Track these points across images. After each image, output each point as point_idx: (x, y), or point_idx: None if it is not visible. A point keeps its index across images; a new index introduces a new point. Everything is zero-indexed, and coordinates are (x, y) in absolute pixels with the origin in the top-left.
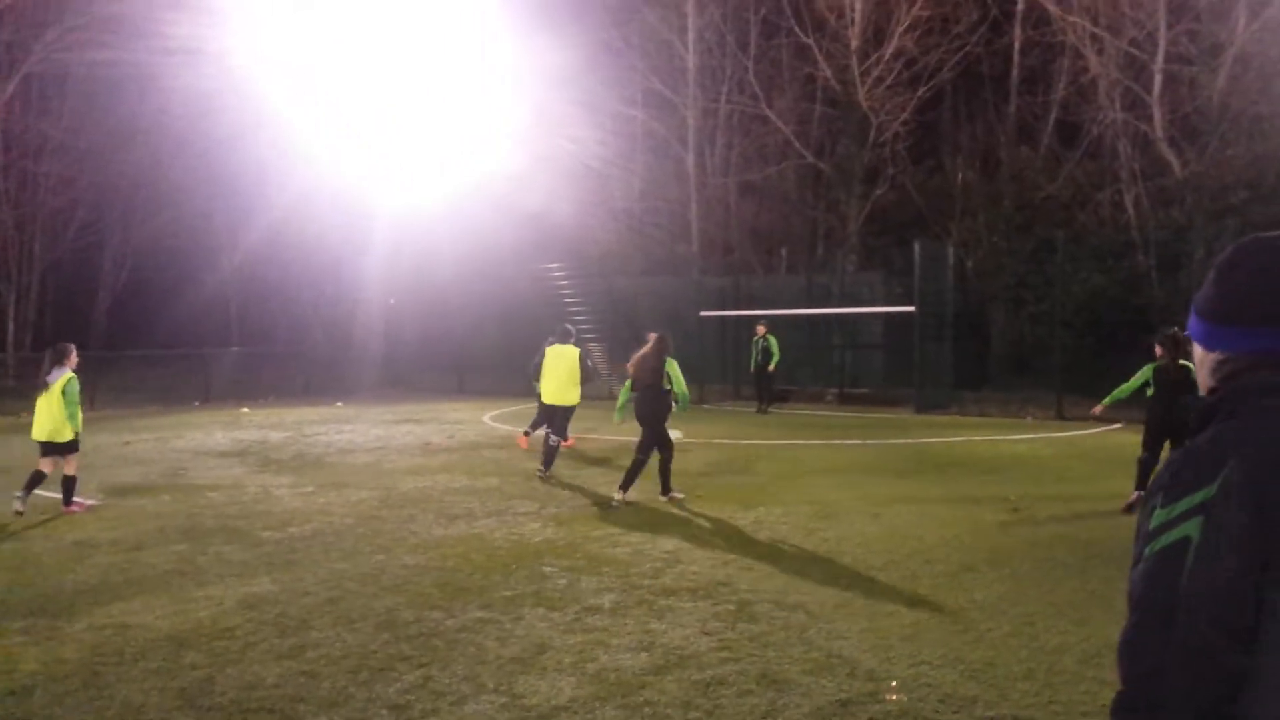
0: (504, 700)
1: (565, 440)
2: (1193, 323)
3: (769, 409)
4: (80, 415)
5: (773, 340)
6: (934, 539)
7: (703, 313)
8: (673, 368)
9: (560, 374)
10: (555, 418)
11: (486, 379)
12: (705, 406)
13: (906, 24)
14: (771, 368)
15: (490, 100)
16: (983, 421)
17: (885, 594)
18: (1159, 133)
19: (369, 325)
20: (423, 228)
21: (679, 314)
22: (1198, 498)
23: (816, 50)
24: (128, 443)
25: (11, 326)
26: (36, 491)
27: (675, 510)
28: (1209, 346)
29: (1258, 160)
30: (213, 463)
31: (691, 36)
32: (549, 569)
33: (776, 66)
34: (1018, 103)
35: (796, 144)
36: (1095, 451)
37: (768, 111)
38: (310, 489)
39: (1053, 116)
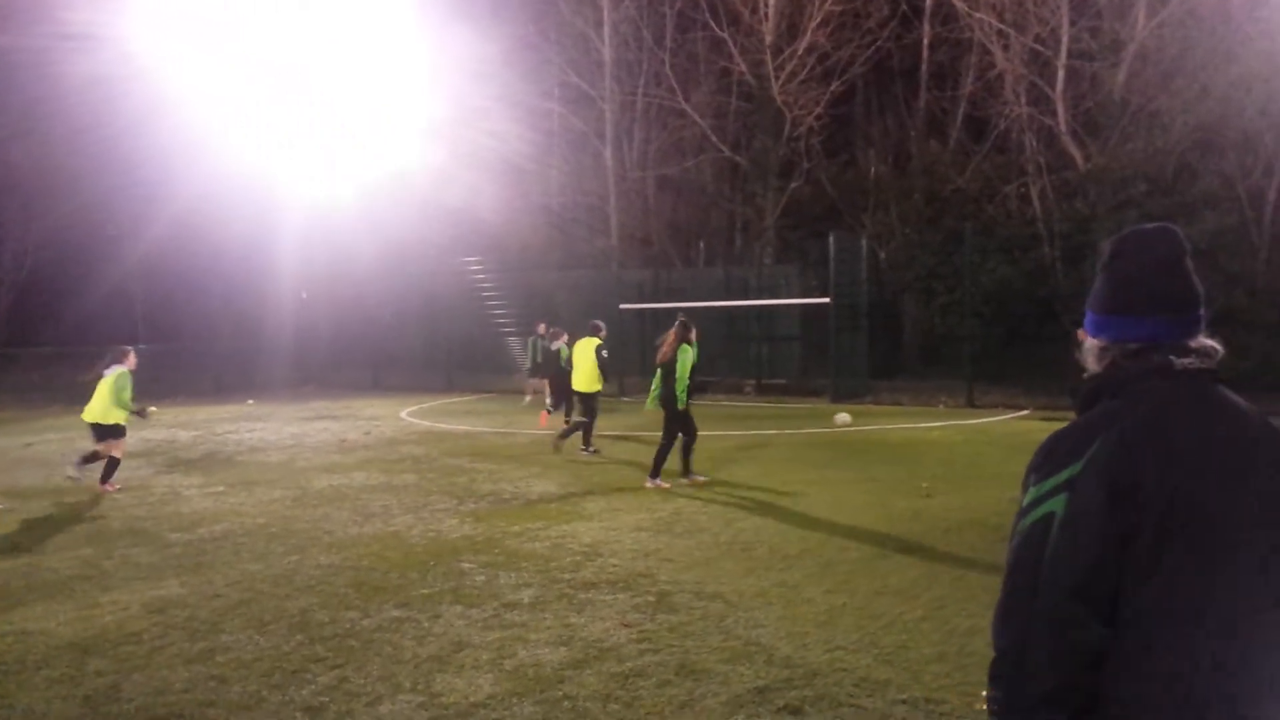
0: (421, 699)
1: (588, 420)
2: (1086, 313)
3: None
4: (130, 407)
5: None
6: (849, 526)
7: (622, 306)
8: (683, 355)
9: (588, 364)
10: (588, 403)
11: (404, 374)
12: (625, 399)
13: (819, 19)
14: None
15: (407, 92)
16: (897, 410)
17: (802, 581)
18: (1063, 127)
19: (281, 320)
20: (337, 221)
21: (599, 307)
22: (1064, 475)
23: (731, 44)
24: (30, 444)
25: None
26: None
27: (594, 503)
28: (1094, 334)
29: (1157, 154)
30: None
31: (607, 30)
32: (467, 565)
33: (692, 60)
34: (927, 97)
35: (713, 138)
36: (1005, 438)
37: (684, 105)
38: (221, 489)
39: (961, 111)
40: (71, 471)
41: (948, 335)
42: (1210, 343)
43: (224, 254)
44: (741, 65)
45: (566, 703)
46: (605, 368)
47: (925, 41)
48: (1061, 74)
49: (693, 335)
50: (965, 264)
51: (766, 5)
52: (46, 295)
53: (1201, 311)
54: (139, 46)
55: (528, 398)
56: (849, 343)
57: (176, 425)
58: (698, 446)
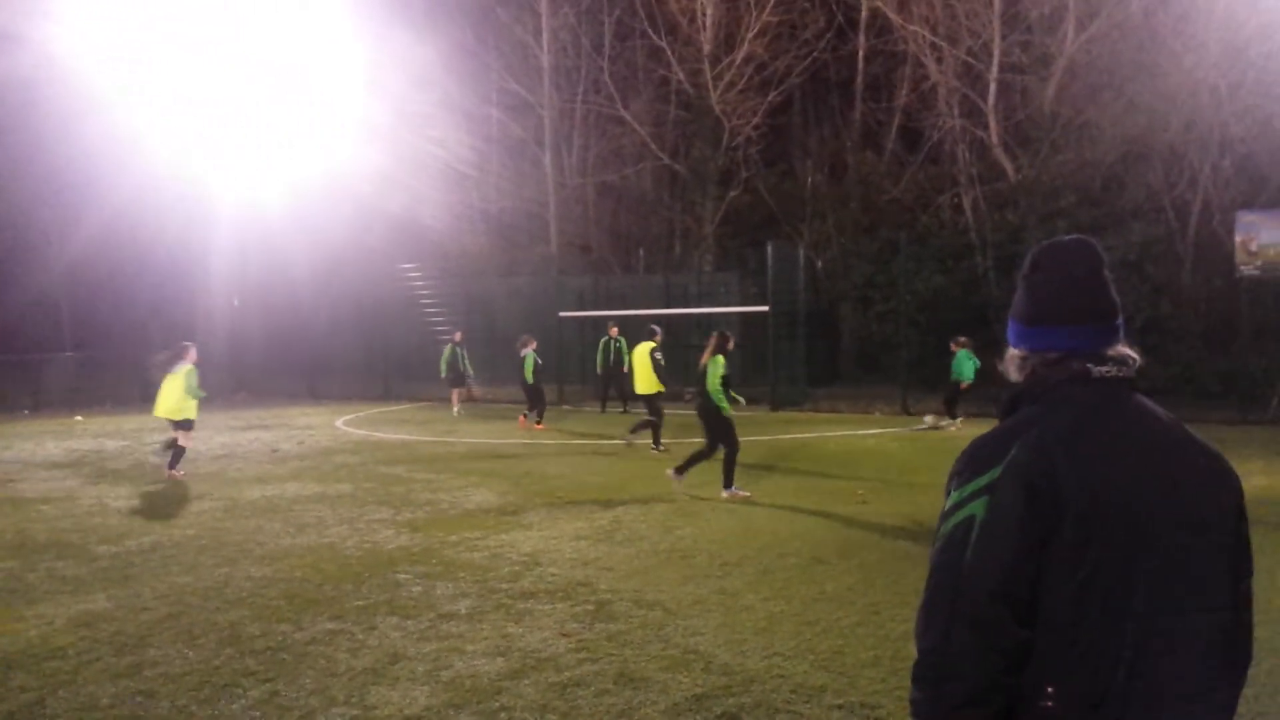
0: (355, 713)
1: (653, 419)
2: (1009, 323)
3: (630, 409)
4: (201, 395)
5: (624, 341)
6: (787, 533)
7: (562, 313)
8: (713, 366)
9: (646, 367)
10: (651, 404)
11: (340, 383)
12: (565, 407)
13: (756, 30)
14: (626, 368)
15: (343, 95)
16: (834, 417)
17: (740, 589)
18: (994, 139)
19: (212, 328)
20: (271, 227)
21: (539, 314)
22: (984, 479)
23: (670, 53)
24: None
25: None
26: None
27: (534, 512)
28: (1016, 344)
29: (1085, 166)
30: (44, 474)
31: (546, 36)
32: (403, 576)
33: (631, 68)
34: (863, 109)
35: (653, 145)
36: (938, 444)
37: (623, 113)
38: (149, 500)
39: (896, 122)
40: (155, 459)
41: (884, 343)
42: (1128, 351)
43: (153, 259)
44: (680, 74)
45: (504, 714)
46: (661, 370)
47: (860, 53)
48: (993, 87)
49: (729, 345)
50: (901, 273)
51: (704, 15)
52: None
53: (1120, 321)
54: (61, 47)
55: (456, 408)
56: (787, 350)
57: (104, 435)
58: (675, 454)
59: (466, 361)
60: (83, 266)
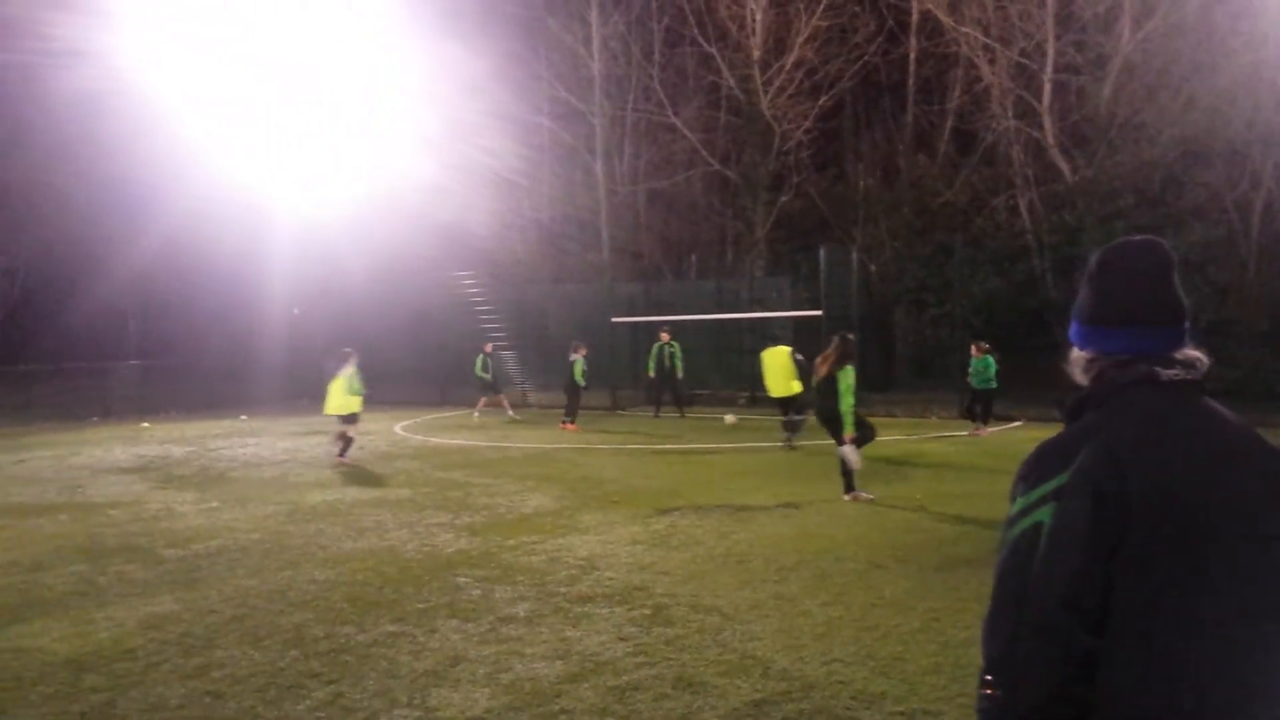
0: (418, 714)
1: (802, 416)
2: (1072, 324)
3: (685, 413)
4: (363, 391)
5: (676, 346)
6: (844, 538)
7: (614, 319)
8: (844, 375)
9: (777, 371)
10: (790, 405)
11: (397, 389)
12: (619, 412)
13: (806, 34)
14: (680, 374)
15: (397, 107)
16: (889, 422)
17: (797, 594)
18: (1050, 140)
19: (274, 336)
20: (329, 237)
21: (591, 321)
22: (1051, 485)
23: (720, 59)
24: (22, 460)
25: None
26: None
27: (589, 517)
28: (1081, 345)
29: (1144, 166)
30: (113, 479)
31: (596, 45)
32: (463, 580)
33: (681, 75)
34: (915, 111)
35: (703, 152)
36: (997, 449)
37: (674, 119)
38: (214, 504)
39: (949, 124)
40: (334, 449)
41: (938, 347)
42: (1196, 354)
43: (216, 269)
44: (730, 80)
45: (563, 717)
46: (804, 370)
47: (912, 56)
48: (1048, 87)
49: (854, 352)
50: (955, 276)
51: (754, 21)
52: (38, 312)
53: (1187, 324)
54: (126, 61)
55: (476, 413)
56: None
57: (170, 441)
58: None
59: (497, 370)
60: (148, 276)
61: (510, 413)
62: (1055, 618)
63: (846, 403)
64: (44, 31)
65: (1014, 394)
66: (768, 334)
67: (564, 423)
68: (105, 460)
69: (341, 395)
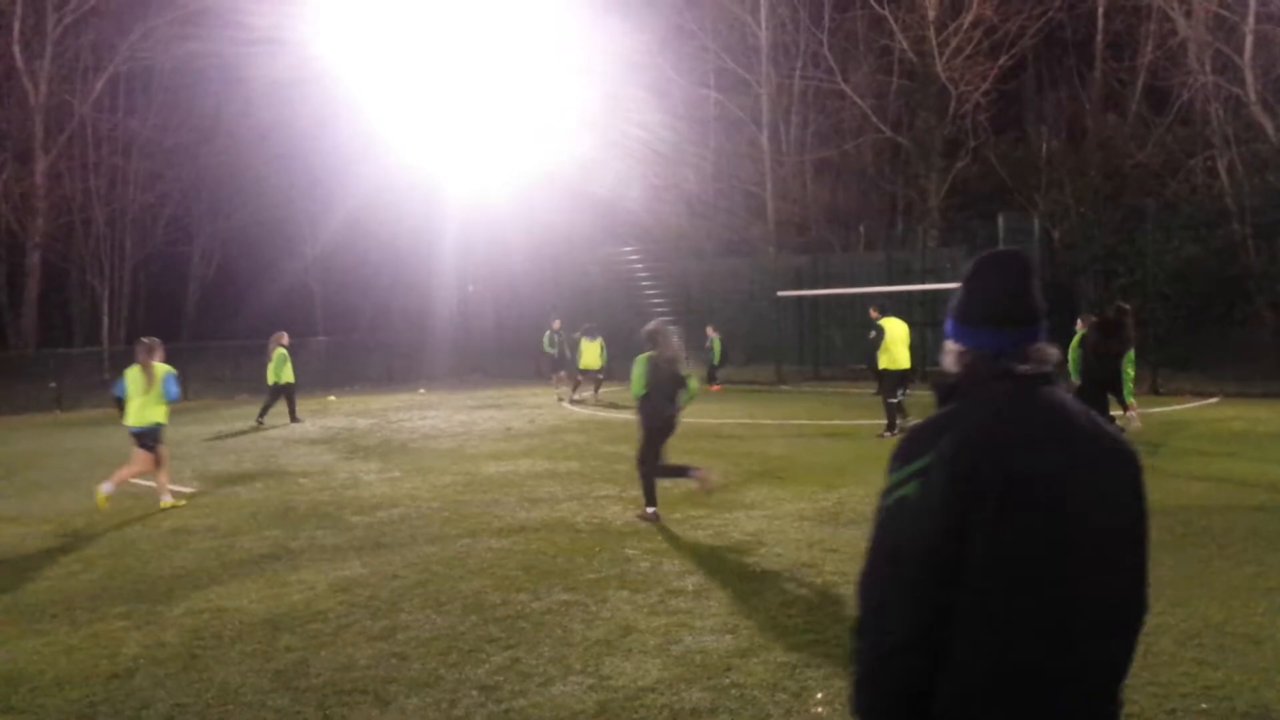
0: (591, 681)
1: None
2: (948, 320)
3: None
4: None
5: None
6: None
7: (780, 293)
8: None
9: (905, 341)
10: (908, 382)
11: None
12: (784, 388)
13: None
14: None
15: (561, 87)
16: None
17: None
18: (1252, 96)
19: (447, 312)
20: (496, 215)
21: (754, 295)
22: (917, 465)
23: (892, 21)
24: (220, 432)
25: (106, 321)
26: (135, 482)
27: (756, 492)
28: (955, 339)
29: None
30: (303, 450)
31: (764, 13)
32: (632, 552)
33: (851, 40)
34: (1103, 68)
35: (874, 118)
36: (1195, 425)
37: (843, 86)
38: (397, 474)
39: (1140, 82)
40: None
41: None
42: (1048, 350)
43: (393, 248)
44: (903, 43)
45: (734, 690)
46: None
47: (1100, 10)
48: (1250, 40)
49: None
50: (1148, 243)
51: None
52: (232, 290)
53: (1043, 324)
54: (317, 50)
55: (557, 390)
56: None
57: (354, 413)
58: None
59: (565, 346)
60: (332, 255)
61: (571, 394)
62: (915, 575)
63: (1129, 374)
64: (243, 22)
65: (1211, 368)
66: (876, 303)
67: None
68: (295, 432)
69: (593, 354)
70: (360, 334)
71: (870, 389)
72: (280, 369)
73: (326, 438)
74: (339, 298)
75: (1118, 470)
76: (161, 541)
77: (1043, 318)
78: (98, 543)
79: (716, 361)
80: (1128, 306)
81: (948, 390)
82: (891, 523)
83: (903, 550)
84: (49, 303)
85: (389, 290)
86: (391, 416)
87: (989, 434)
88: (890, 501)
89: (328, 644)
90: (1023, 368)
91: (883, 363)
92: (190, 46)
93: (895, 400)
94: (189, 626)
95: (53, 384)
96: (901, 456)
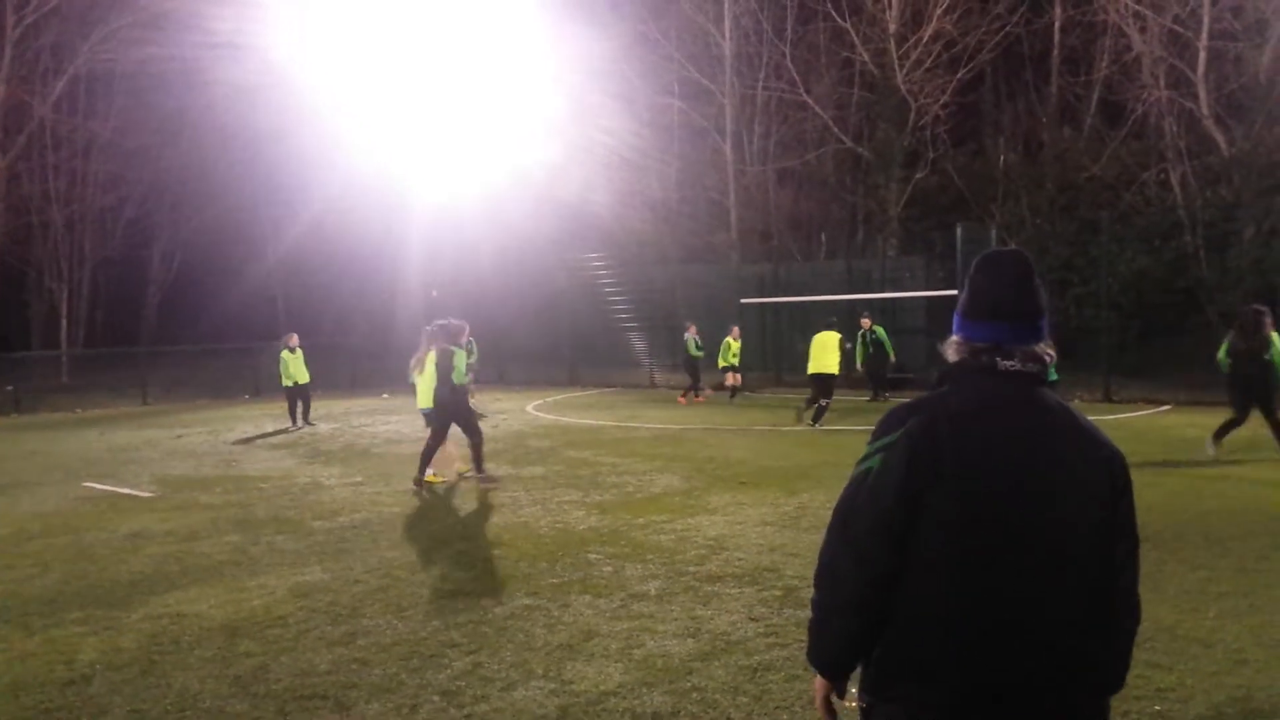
0: (553, 686)
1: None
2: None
3: (886, 396)
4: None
5: (880, 330)
6: None
7: (743, 300)
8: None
9: (831, 350)
10: (829, 388)
11: (527, 369)
12: (746, 394)
13: (945, 5)
14: (893, 358)
15: (527, 92)
16: None
17: None
18: (1205, 110)
19: (411, 316)
20: (462, 219)
21: (718, 302)
22: (885, 441)
23: (854, 34)
24: (180, 435)
25: (64, 324)
26: (98, 487)
27: (718, 497)
28: (955, 331)
29: None
30: (263, 454)
31: (728, 24)
32: (594, 556)
33: (814, 51)
34: (1059, 83)
35: (835, 129)
36: (1147, 433)
37: (805, 97)
38: (359, 479)
39: (1095, 96)
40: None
41: (1082, 328)
42: (1042, 349)
43: (357, 252)
44: (864, 55)
45: (695, 694)
46: (848, 358)
47: (1057, 25)
48: (1203, 55)
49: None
50: (1102, 254)
51: None
52: (192, 294)
53: (1041, 321)
54: (279, 54)
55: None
56: None
57: (317, 418)
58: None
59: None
60: (295, 260)
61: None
62: (864, 541)
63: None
64: (205, 25)
65: (1163, 376)
66: (825, 321)
67: (681, 396)
68: (256, 436)
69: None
70: (323, 338)
71: (864, 395)
72: (286, 371)
73: (288, 443)
74: (302, 301)
75: (1090, 467)
76: (119, 546)
77: (1040, 314)
78: (54, 547)
79: (693, 353)
80: (1264, 308)
81: (939, 378)
82: (854, 490)
83: (856, 516)
84: (6, 305)
85: (353, 294)
86: (354, 421)
87: (955, 420)
88: (858, 471)
89: (288, 649)
90: (1006, 364)
91: (813, 368)
92: (152, 49)
93: (821, 403)
94: (147, 632)
95: (10, 387)
96: (879, 432)
